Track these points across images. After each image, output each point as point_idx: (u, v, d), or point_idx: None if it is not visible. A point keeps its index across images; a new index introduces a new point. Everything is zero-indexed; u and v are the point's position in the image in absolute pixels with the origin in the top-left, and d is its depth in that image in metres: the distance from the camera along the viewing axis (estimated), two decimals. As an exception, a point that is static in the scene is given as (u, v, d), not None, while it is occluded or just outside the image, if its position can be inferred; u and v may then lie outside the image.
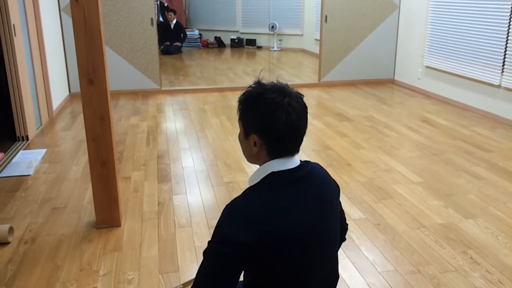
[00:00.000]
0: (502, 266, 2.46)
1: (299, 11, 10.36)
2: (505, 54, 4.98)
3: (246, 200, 1.21)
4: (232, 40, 10.95)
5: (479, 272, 2.41)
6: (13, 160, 3.99)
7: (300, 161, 1.29)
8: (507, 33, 4.93)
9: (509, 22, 4.90)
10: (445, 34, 5.94)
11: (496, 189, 3.39)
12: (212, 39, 11.13)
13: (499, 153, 4.14)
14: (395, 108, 5.73)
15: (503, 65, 5.01)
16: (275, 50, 10.55)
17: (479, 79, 5.37)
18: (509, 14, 4.89)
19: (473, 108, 5.55)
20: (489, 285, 2.31)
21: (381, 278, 2.37)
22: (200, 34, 11.11)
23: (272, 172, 1.24)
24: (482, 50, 5.30)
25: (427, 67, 6.39)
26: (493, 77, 5.15)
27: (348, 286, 2.31)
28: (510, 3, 4.87)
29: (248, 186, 1.27)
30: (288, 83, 1.27)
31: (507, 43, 4.95)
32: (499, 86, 5.12)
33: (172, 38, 10.19)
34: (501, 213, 3.04)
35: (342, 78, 7.16)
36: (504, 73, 5.02)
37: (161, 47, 9.78)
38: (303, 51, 10.43)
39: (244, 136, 1.28)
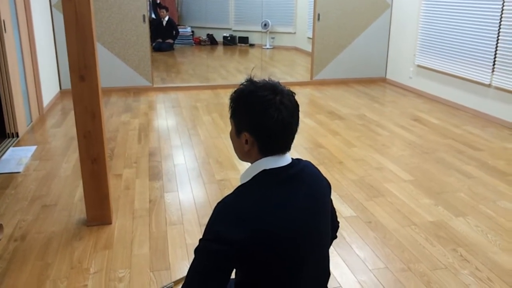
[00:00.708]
0: (491, 264, 2.48)
1: (291, 9, 10.36)
2: (495, 54, 5.02)
3: (237, 198, 1.21)
4: (224, 37, 10.93)
5: (469, 270, 2.43)
6: (3, 157, 3.96)
7: (292, 159, 1.29)
8: (498, 33, 4.96)
9: (499, 22, 4.94)
10: (436, 33, 5.97)
11: (486, 188, 3.42)
12: (204, 37, 11.10)
13: (489, 152, 4.18)
14: (386, 107, 5.76)
15: (494, 65, 5.05)
16: (267, 48, 10.55)
17: (470, 78, 5.41)
18: (499, 13, 4.92)
19: (464, 107, 5.59)
20: (478, 282, 2.33)
21: (372, 276, 2.38)
22: (192, 31, 11.08)
23: (264, 170, 1.24)
24: (473, 50, 5.34)
25: (419, 66, 6.42)
26: (484, 76, 5.18)
27: (339, 284, 2.32)
28: (500, 3, 4.90)
29: (239, 184, 1.27)
30: (280, 81, 1.28)
31: (497, 43, 4.98)
32: (489, 85, 5.16)
33: (164, 35, 10.15)
34: (490, 211, 3.07)
35: (334, 77, 7.18)
36: (494, 73, 5.05)
37: (153, 44, 9.73)
38: (296, 49, 10.44)
39: (236, 134, 1.28)
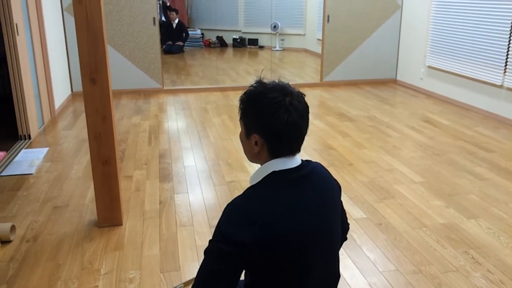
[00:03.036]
0: (503, 266, 2.46)
1: (301, 10, 10.35)
2: (507, 54, 4.97)
3: (247, 200, 1.21)
4: (234, 39, 10.96)
5: (481, 272, 2.41)
6: (15, 159, 4.00)
7: (301, 160, 1.29)
8: (510, 33, 4.92)
9: (511, 22, 4.89)
10: (447, 34, 5.93)
11: (498, 190, 3.39)
12: (214, 39, 11.13)
13: (501, 153, 4.14)
14: (397, 108, 5.73)
15: (506, 65, 5.00)
16: (277, 50, 10.55)
17: (482, 79, 5.36)
18: (511, 14, 4.87)
19: (475, 108, 5.54)
20: (490, 285, 2.31)
21: (382, 278, 2.37)
22: (202, 34, 11.12)
23: (273, 172, 1.24)
24: (484, 50, 5.29)
25: (430, 67, 6.38)
26: (496, 77, 5.14)
27: (349, 286, 2.31)
28: (512, 3, 4.86)
29: (249, 185, 1.27)
30: (290, 83, 1.27)
31: (509, 43, 4.93)
32: (501, 86, 5.11)
33: (174, 37, 10.20)
34: (502, 213, 3.04)
35: (344, 78, 7.16)
36: (506, 73, 5.00)
37: (163, 46, 9.78)
38: (305, 51, 10.43)
39: (246, 136, 1.28)
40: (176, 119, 5.28)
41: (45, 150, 4.23)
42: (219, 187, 3.47)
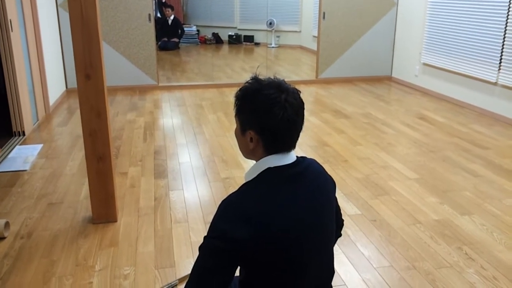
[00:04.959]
0: (496, 262, 2.47)
1: (297, 7, 10.35)
2: (502, 52, 4.99)
3: (242, 196, 1.21)
4: (230, 36, 10.93)
5: (474, 268, 2.42)
6: (10, 155, 3.98)
7: (297, 157, 1.29)
8: (504, 31, 4.93)
9: (506, 20, 4.91)
10: (442, 32, 5.94)
11: (492, 186, 3.41)
12: (210, 35, 11.10)
13: (496, 150, 4.16)
14: (392, 105, 5.74)
15: (500, 63, 5.02)
16: (273, 47, 10.54)
17: (476, 76, 5.38)
18: (506, 11, 4.89)
19: (470, 106, 5.56)
20: (483, 281, 2.32)
21: (376, 274, 2.38)
22: (197, 30, 11.08)
23: (268, 168, 1.24)
24: (479, 48, 5.31)
25: (425, 64, 6.40)
26: (490, 75, 5.16)
27: (344, 282, 2.32)
28: (507, 1, 4.87)
29: (244, 182, 1.28)
30: (286, 80, 1.27)
31: (504, 41, 4.95)
32: (495, 84, 5.13)
33: (169, 34, 10.16)
34: (496, 209, 3.06)
35: (339, 75, 7.17)
36: (500, 71, 5.03)
37: (159, 43, 9.74)
38: (301, 47, 10.43)
39: (241, 132, 1.28)
40: (171, 116, 5.27)
41: (40, 146, 4.22)
42: (214, 183, 3.47)
